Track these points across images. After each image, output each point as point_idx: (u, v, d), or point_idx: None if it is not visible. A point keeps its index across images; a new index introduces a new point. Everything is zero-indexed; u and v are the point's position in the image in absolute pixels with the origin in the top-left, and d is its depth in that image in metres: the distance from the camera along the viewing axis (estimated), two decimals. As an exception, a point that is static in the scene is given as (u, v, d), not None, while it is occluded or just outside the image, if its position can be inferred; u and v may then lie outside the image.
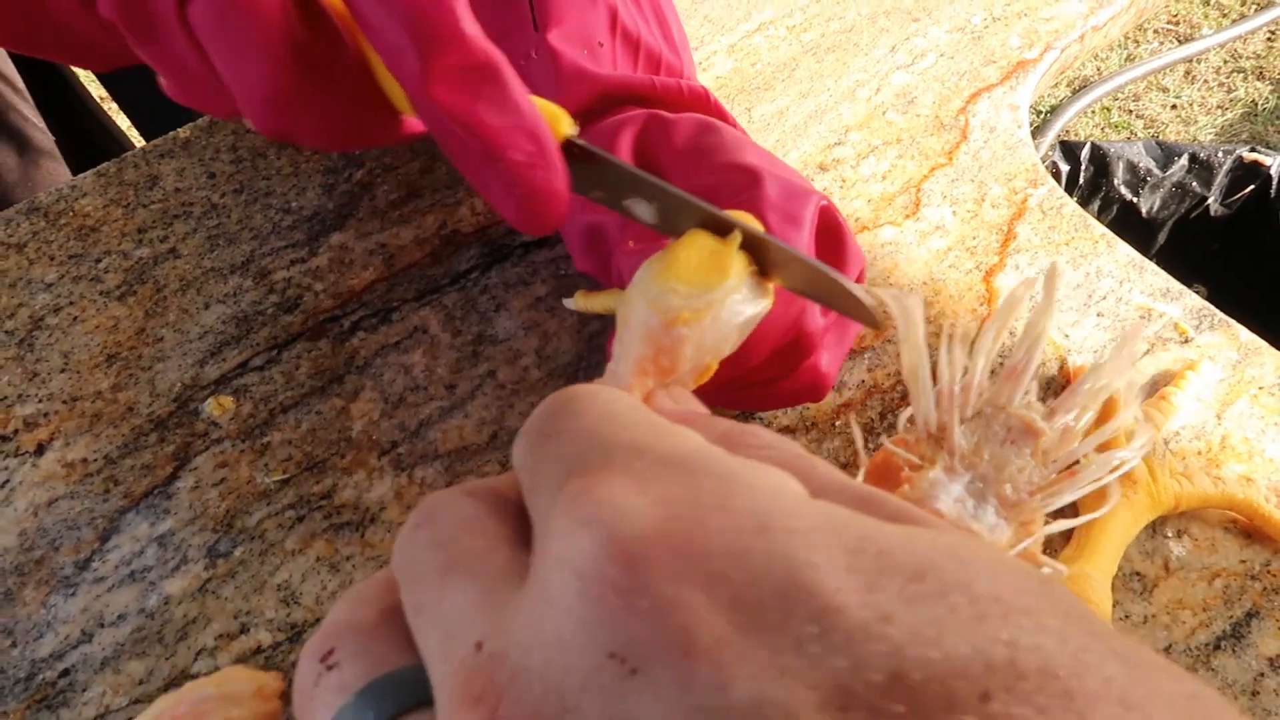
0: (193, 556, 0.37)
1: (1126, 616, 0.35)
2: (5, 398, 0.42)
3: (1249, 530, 0.37)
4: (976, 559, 0.12)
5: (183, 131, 0.51)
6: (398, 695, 0.14)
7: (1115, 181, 0.85)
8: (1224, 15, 1.83)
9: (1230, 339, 0.42)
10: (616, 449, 0.14)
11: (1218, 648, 0.34)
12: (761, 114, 0.52)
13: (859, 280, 0.37)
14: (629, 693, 0.11)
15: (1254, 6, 1.84)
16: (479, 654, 0.12)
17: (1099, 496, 0.33)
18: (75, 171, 0.76)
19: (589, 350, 0.42)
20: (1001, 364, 0.32)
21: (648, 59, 0.41)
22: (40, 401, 0.41)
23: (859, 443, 0.33)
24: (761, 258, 0.23)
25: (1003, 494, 0.30)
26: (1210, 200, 0.84)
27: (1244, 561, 0.36)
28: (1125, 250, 0.45)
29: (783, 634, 0.11)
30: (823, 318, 0.35)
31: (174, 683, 0.35)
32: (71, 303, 0.45)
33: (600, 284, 0.41)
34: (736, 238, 0.22)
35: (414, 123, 0.26)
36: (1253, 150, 0.83)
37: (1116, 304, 0.43)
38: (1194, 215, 0.85)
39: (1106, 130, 1.70)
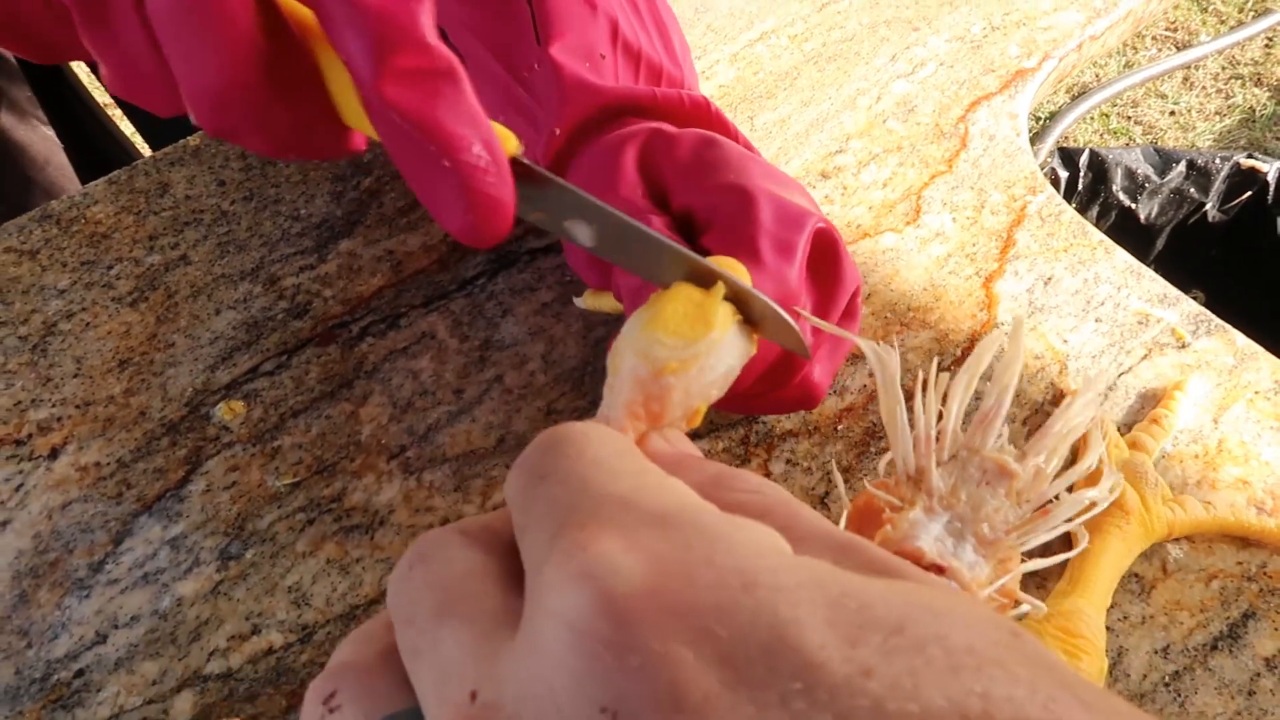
0: (205, 559, 0.38)
1: (1125, 618, 0.35)
2: (19, 403, 0.42)
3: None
4: (951, 611, 0.12)
5: (193, 140, 0.52)
6: None
7: (1114, 188, 0.86)
8: (1222, 22, 1.84)
9: (1227, 344, 0.42)
10: (606, 501, 0.14)
11: (1215, 648, 0.35)
12: (764, 122, 0.52)
13: (854, 300, 0.38)
14: None
15: (1251, 13, 1.84)
16: (474, 703, 0.13)
17: (1086, 532, 0.35)
18: (81, 177, 0.76)
19: (594, 355, 0.43)
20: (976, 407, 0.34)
21: (648, 70, 0.42)
22: (54, 406, 0.42)
23: (840, 487, 0.34)
24: (745, 308, 0.24)
25: (980, 533, 0.32)
26: (1208, 206, 0.85)
27: (1240, 564, 0.37)
28: (1123, 256, 0.46)
29: (769, 690, 0.11)
30: (812, 335, 0.35)
31: (187, 683, 0.35)
32: (84, 309, 0.45)
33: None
34: (720, 290, 0.23)
35: (358, 139, 0.26)
36: (1250, 157, 0.84)
37: (1114, 309, 0.44)
38: (1192, 221, 0.86)
39: (1105, 136, 1.71)
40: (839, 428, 0.41)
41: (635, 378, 0.22)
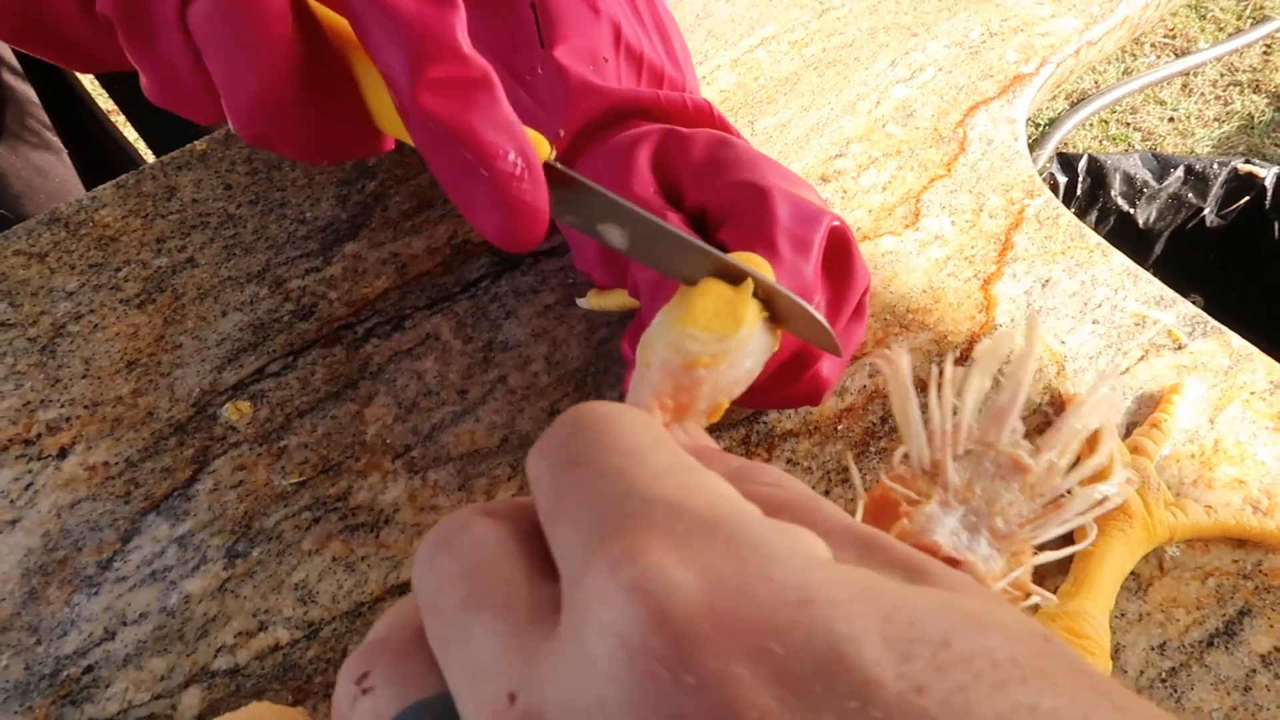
0: (212, 557, 0.38)
1: (1122, 615, 0.36)
2: (29, 403, 0.43)
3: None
4: (992, 622, 0.12)
5: (199, 144, 0.53)
6: None
7: (1112, 193, 0.86)
8: (1220, 29, 1.85)
9: (1222, 345, 0.43)
10: (654, 505, 0.14)
11: (1211, 645, 0.35)
12: (764, 127, 0.53)
13: (863, 298, 0.38)
14: None
15: (1250, 21, 1.85)
16: (513, 707, 0.13)
17: (1084, 530, 0.35)
18: (86, 183, 0.77)
19: (597, 356, 0.43)
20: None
21: (651, 74, 0.42)
22: (62, 406, 0.43)
23: (856, 480, 0.35)
24: (771, 304, 0.24)
25: (995, 526, 0.32)
26: (1206, 211, 0.86)
27: (1236, 561, 0.37)
28: (1120, 259, 0.46)
29: (826, 709, 0.11)
30: None
31: (194, 679, 0.35)
32: (92, 310, 0.46)
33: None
34: (750, 287, 0.24)
35: (388, 140, 0.26)
36: (1247, 162, 0.84)
37: (1111, 311, 0.44)
38: (1190, 226, 0.86)
39: (1104, 142, 1.71)
40: (839, 428, 0.41)
41: (667, 369, 0.22)
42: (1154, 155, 0.87)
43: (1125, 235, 0.87)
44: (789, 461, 0.40)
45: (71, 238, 0.49)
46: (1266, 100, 1.74)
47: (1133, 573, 0.37)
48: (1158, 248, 0.88)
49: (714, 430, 0.41)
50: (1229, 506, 0.38)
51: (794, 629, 0.12)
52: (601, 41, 0.41)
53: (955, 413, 0.34)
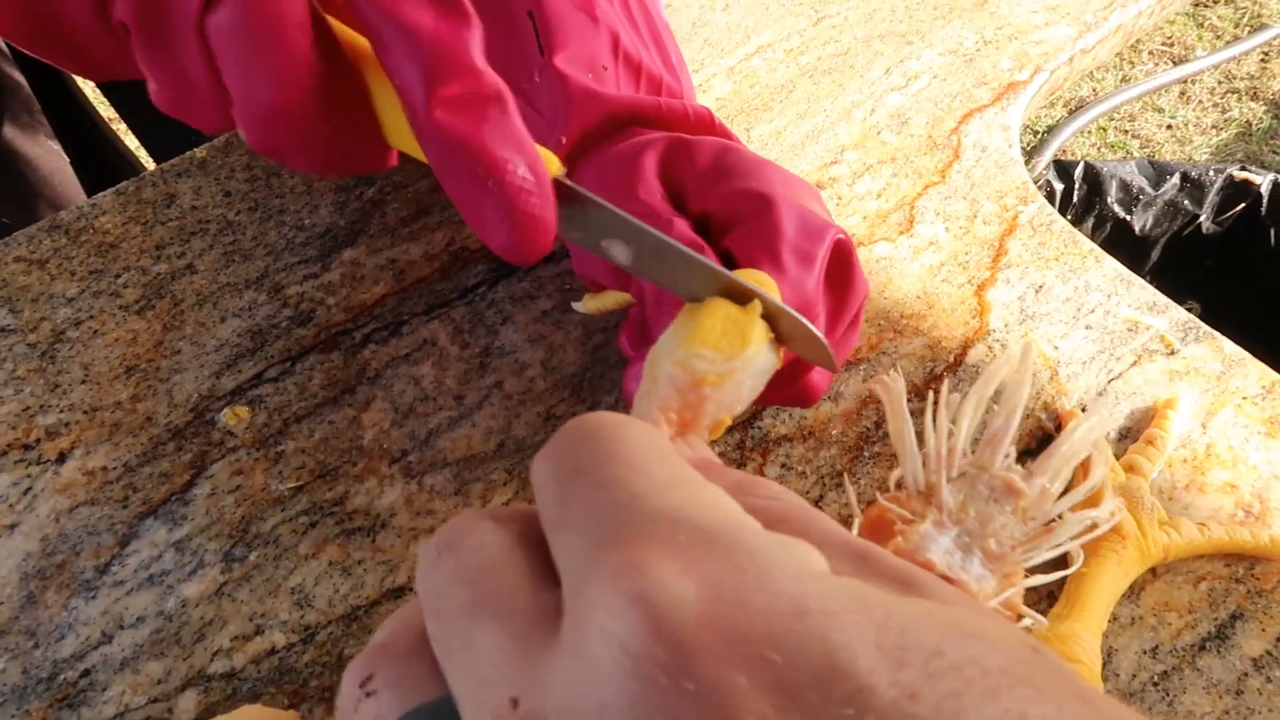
0: (209, 561, 0.39)
1: (1115, 618, 0.36)
2: (28, 408, 0.43)
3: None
4: (982, 632, 0.13)
5: (199, 151, 0.53)
6: None
7: (1108, 200, 0.86)
8: (1218, 37, 1.86)
9: (1215, 350, 0.43)
10: (657, 517, 0.14)
11: (1203, 648, 0.35)
12: (760, 134, 0.53)
13: (859, 309, 0.39)
14: None
15: (1247, 29, 1.86)
16: (515, 712, 0.13)
17: (1081, 551, 0.36)
18: (87, 190, 0.78)
19: (593, 362, 0.44)
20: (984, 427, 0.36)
21: (649, 82, 0.42)
22: (62, 412, 0.43)
23: (852, 499, 0.36)
24: (775, 324, 0.25)
25: (987, 547, 0.33)
26: (1202, 218, 0.86)
27: (1228, 565, 0.37)
28: (1113, 265, 0.47)
29: (822, 715, 0.11)
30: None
31: (191, 682, 0.36)
32: (92, 316, 0.46)
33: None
34: (757, 307, 0.24)
35: (394, 155, 0.27)
36: (1243, 169, 0.85)
37: (1104, 317, 0.45)
38: (1186, 233, 0.87)
39: (1103, 150, 1.72)
40: (834, 433, 0.41)
41: (674, 385, 0.23)
42: (1150, 162, 0.87)
43: (1122, 242, 0.88)
44: (784, 466, 0.40)
45: (72, 244, 0.49)
46: (1264, 107, 1.75)
47: (1125, 577, 0.37)
48: (1154, 254, 0.88)
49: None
50: (1222, 521, 0.38)
51: (791, 638, 0.12)
52: (600, 50, 0.41)
53: (950, 435, 0.35)
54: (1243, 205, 0.85)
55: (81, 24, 0.25)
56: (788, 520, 0.16)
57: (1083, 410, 0.41)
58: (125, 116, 0.91)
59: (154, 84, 0.25)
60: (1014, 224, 0.49)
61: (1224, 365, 0.43)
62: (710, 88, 0.56)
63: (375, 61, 0.24)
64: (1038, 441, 0.41)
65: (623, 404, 0.42)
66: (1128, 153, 1.71)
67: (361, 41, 0.25)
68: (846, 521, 0.37)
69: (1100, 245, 0.47)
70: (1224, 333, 0.44)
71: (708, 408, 0.23)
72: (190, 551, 0.39)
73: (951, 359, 0.43)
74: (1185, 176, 0.85)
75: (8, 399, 0.43)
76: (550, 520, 0.15)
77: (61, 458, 0.41)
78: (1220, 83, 1.80)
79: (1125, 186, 0.86)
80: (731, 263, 0.34)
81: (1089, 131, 1.71)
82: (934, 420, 0.35)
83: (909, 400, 0.42)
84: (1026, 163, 0.57)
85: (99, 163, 0.84)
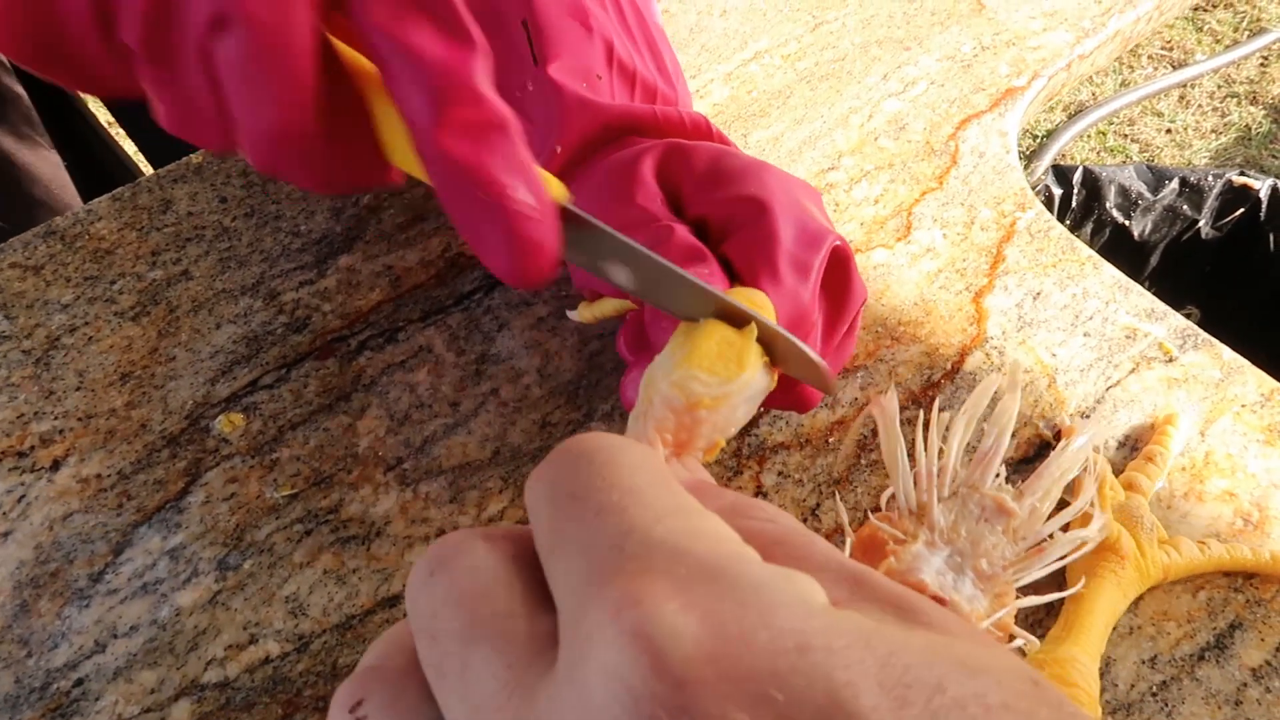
0: (203, 569, 0.38)
1: (1113, 628, 0.36)
2: (22, 415, 0.43)
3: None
4: (986, 668, 0.13)
5: (195, 157, 0.53)
6: None
7: (1107, 205, 0.86)
8: (1217, 41, 1.86)
9: (1214, 358, 0.43)
10: (656, 548, 0.14)
11: (1202, 658, 0.35)
12: (757, 140, 0.53)
13: (857, 315, 0.39)
14: None
15: (1247, 33, 1.86)
16: None
17: (1076, 572, 0.36)
18: (84, 196, 0.77)
19: (589, 369, 0.43)
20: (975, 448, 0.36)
21: (644, 90, 0.42)
22: (56, 419, 0.43)
23: (844, 519, 0.36)
24: (770, 346, 0.25)
25: (979, 567, 0.33)
26: (1201, 223, 0.86)
27: (1227, 575, 0.37)
28: (1111, 272, 0.46)
29: None
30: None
31: (184, 692, 0.35)
32: (87, 323, 0.46)
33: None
34: (753, 331, 0.24)
35: (398, 175, 0.27)
36: (1242, 174, 0.84)
37: (1103, 324, 0.44)
38: (1185, 238, 0.87)
39: (1102, 154, 1.72)
40: (830, 440, 0.41)
41: (670, 407, 0.23)
42: (1149, 167, 0.87)
43: (1120, 247, 0.87)
44: (780, 474, 0.40)
45: (67, 250, 0.49)
46: (1264, 112, 1.75)
47: (1123, 586, 0.37)
48: (1153, 260, 0.88)
49: (705, 443, 0.41)
50: (1221, 530, 0.38)
51: (793, 675, 0.12)
52: (594, 59, 0.41)
53: (940, 455, 0.35)
54: (1242, 210, 0.85)
55: (85, 44, 0.25)
56: (784, 544, 0.16)
57: (1084, 418, 0.41)
58: (122, 122, 0.91)
59: (159, 105, 0.25)
60: (1012, 230, 0.48)
61: (1223, 373, 0.43)
62: (707, 93, 0.56)
63: (378, 81, 0.24)
64: (1035, 450, 0.41)
65: (619, 411, 0.42)
66: (1127, 157, 1.71)
67: (364, 61, 0.25)
68: (839, 532, 0.37)
69: (1099, 250, 0.47)
70: (1222, 338, 0.44)
71: (703, 430, 0.23)
72: (184, 560, 0.39)
73: (949, 366, 0.43)
74: (1184, 181, 0.85)
75: (2, 406, 0.43)
76: (545, 545, 0.15)
77: (55, 465, 0.41)
78: (1220, 87, 1.80)
79: (1124, 191, 0.86)
80: (729, 270, 0.34)
81: (1088, 136, 1.71)
82: (924, 440, 0.35)
83: (904, 408, 0.42)
84: (1026, 167, 0.57)
85: (97, 167, 0.84)
